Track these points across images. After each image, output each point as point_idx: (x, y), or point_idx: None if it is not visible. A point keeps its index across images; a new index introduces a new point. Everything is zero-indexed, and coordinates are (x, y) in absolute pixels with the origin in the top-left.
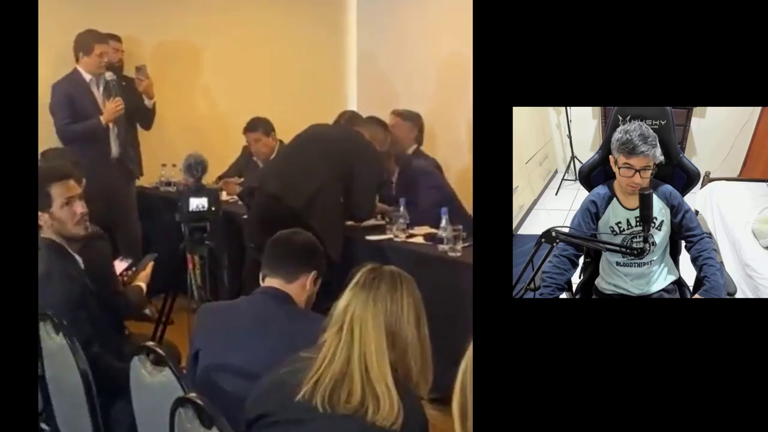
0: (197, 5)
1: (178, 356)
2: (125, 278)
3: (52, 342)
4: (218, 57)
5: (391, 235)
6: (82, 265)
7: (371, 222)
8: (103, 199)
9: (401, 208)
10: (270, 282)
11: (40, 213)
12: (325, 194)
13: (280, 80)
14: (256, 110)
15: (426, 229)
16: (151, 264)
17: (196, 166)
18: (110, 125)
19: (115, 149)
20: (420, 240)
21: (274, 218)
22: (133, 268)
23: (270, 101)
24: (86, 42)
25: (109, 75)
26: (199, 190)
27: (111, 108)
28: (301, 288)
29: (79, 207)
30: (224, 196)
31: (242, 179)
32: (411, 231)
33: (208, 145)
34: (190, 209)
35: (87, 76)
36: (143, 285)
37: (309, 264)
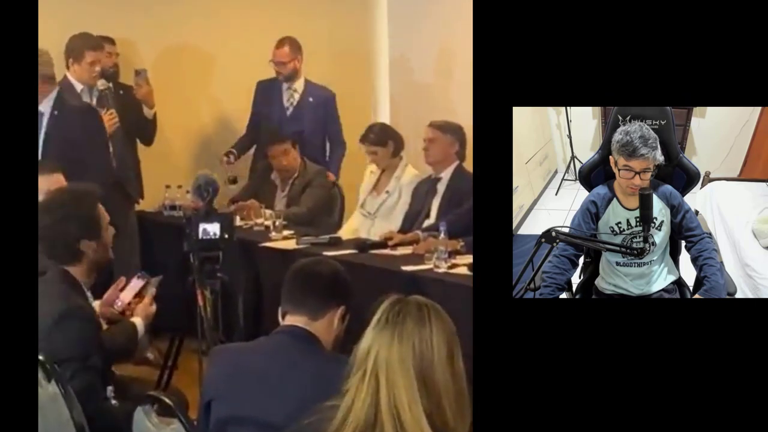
0: (205, 4)
1: (186, 405)
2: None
3: (43, 392)
4: (230, 62)
5: (431, 265)
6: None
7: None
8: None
9: (441, 233)
10: (292, 320)
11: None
12: None
13: None
14: None
15: (470, 259)
16: (151, 293)
17: (206, 187)
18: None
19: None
20: (465, 271)
21: None
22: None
23: None
24: (77, 47)
25: (101, 84)
26: (209, 215)
27: (105, 122)
28: (327, 326)
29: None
30: (239, 221)
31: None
32: (454, 261)
33: (219, 162)
34: (200, 237)
35: (78, 86)
36: (140, 321)
37: (336, 298)
